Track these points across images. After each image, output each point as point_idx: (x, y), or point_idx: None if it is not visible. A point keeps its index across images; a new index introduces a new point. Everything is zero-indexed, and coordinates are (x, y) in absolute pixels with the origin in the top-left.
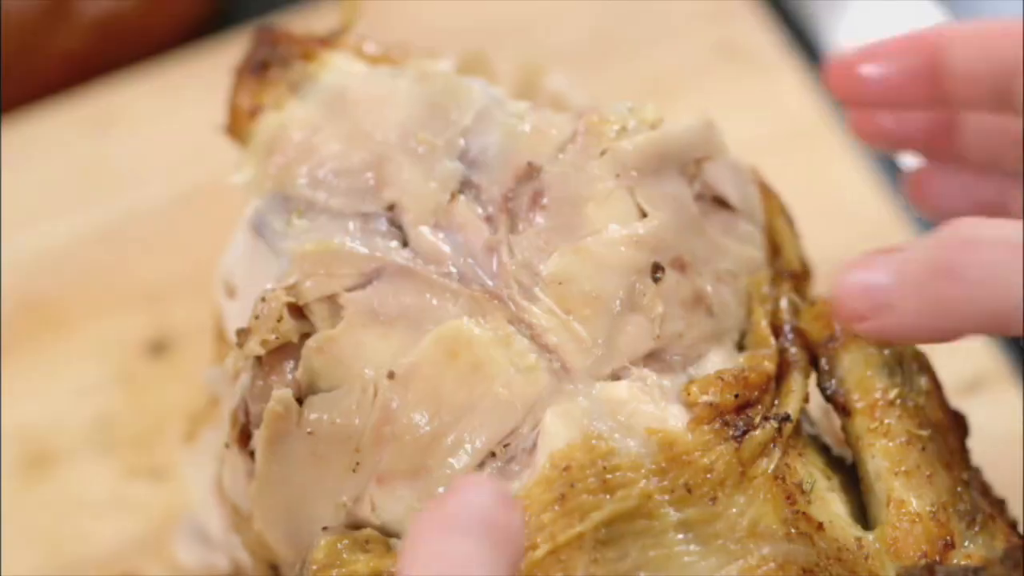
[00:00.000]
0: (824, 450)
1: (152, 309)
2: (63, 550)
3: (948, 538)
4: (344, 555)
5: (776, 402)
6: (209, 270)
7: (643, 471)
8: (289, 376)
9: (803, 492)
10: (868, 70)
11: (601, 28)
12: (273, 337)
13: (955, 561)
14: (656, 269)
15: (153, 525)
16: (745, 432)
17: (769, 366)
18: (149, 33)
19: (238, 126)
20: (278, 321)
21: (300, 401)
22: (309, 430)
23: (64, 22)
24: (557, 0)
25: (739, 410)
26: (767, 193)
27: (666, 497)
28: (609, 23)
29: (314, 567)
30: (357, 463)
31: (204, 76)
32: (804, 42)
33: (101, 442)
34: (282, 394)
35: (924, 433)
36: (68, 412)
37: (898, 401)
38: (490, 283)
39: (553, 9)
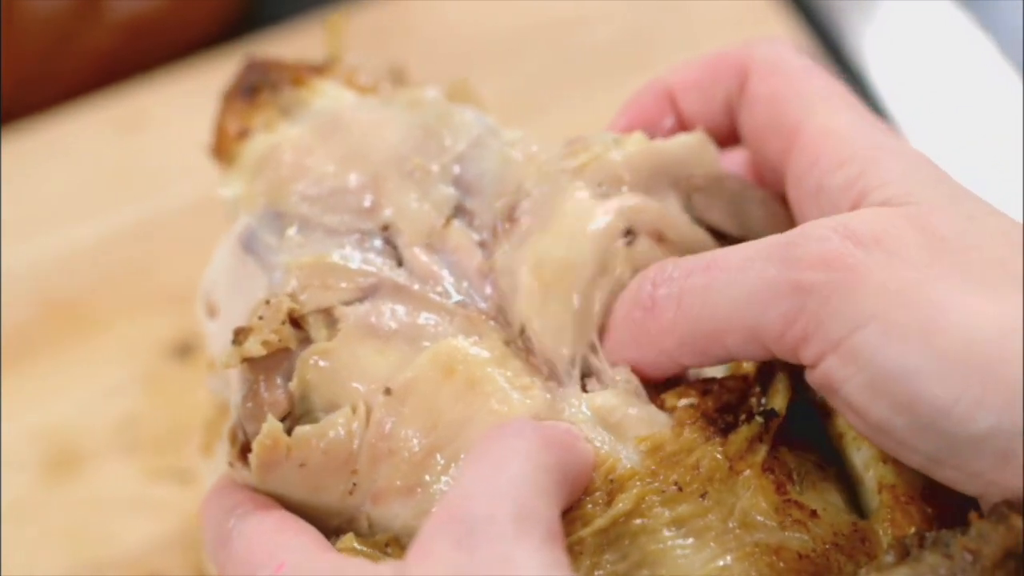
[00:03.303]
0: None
1: (178, 311)
2: (87, 550)
3: (942, 517)
4: (363, 553)
5: (763, 400)
6: None
7: (636, 477)
8: (280, 391)
9: (793, 482)
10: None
11: (626, 35)
12: (275, 339)
13: None
14: (628, 233)
15: (177, 527)
16: (730, 429)
17: (748, 367)
18: (180, 34)
19: (223, 147)
20: (281, 324)
21: (290, 416)
22: (300, 463)
23: (94, 22)
24: (583, 7)
25: (721, 409)
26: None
27: (658, 497)
28: (634, 30)
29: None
30: (354, 484)
31: None
32: (830, 47)
33: (126, 443)
34: (270, 426)
35: None
36: (93, 413)
37: None
38: (484, 305)
39: (579, 16)
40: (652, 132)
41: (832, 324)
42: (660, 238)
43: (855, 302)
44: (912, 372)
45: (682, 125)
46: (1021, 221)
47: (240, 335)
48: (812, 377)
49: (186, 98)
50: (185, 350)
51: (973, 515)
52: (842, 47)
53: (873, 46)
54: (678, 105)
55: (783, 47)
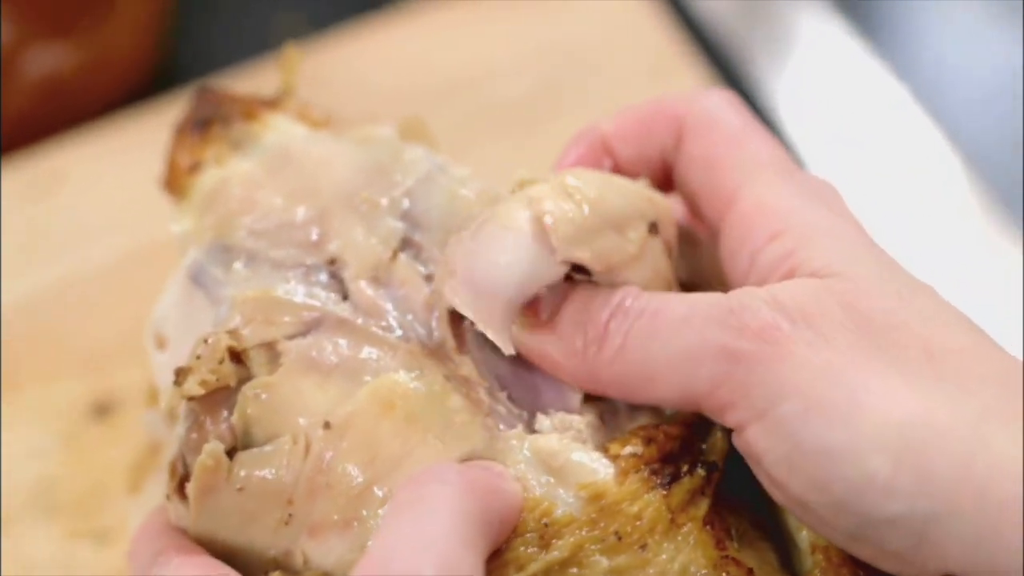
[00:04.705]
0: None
1: (95, 372)
2: None
3: None
4: None
5: (705, 450)
6: None
7: (575, 524)
8: (224, 425)
9: (732, 538)
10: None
11: (543, 86)
12: (213, 378)
13: None
14: (656, 227)
15: None
16: (673, 480)
17: (691, 415)
18: (93, 95)
19: (175, 181)
20: (219, 363)
21: (234, 450)
22: (239, 487)
23: (7, 84)
24: (501, 58)
25: (664, 459)
26: None
27: (596, 546)
28: (551, 81)
29: None
30: (290, 515)
31: (148, 137)
32: (746, 99)
33: (44, 506)
34: (213, 447)
35: None
36: (10, 476)
37: None
38: (428, 339)
39: (497, 67)
40: None
41: (756, 394)
42: (669, 253)
43: (779, 375)
44: (829, 451)
45: (618, 171)
46: (946, 297)
47: (180, 376)
48: (737, 442)
49: (101, 159)
50: (102, 410)
51: None
52: (755, 97)
53: (787, 96)
54: (614, 153)
55: (720, 103)
